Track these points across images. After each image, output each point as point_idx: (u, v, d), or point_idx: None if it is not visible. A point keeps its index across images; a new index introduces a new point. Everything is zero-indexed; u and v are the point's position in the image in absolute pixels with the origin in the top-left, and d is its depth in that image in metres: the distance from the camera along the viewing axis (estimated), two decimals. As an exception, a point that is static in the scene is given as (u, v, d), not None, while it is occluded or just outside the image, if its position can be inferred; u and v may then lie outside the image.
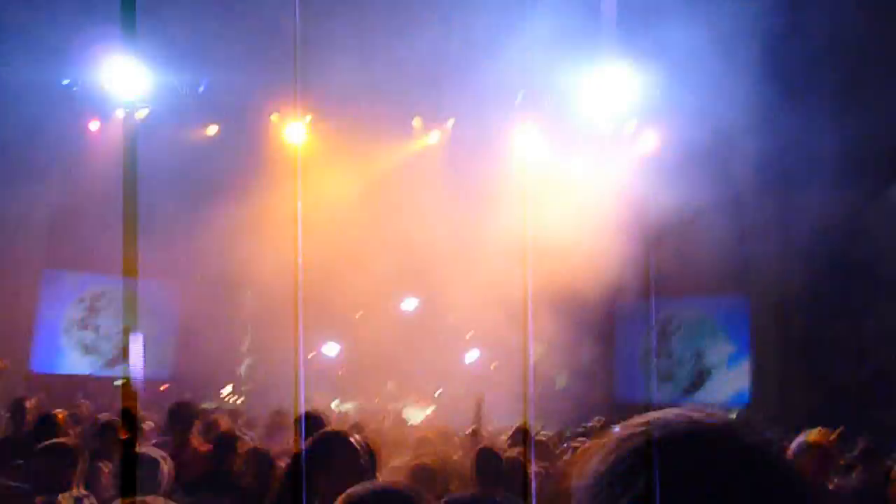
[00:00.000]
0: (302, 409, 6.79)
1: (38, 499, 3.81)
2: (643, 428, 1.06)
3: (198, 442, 6.26)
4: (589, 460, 1.08)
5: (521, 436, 6.16)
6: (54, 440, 4.44)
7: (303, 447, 3.65)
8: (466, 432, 7.00)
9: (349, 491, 1.82)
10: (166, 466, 3.71)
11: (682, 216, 12.53)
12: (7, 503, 3.98)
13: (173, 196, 14.46)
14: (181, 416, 6.25)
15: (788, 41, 11.99)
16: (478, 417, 9.47)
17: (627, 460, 1.03)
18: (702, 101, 12.19)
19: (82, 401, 9.52)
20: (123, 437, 6.21)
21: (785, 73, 12.10)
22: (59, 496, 3.84)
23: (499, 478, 4.93)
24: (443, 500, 4.93)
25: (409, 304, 16.70)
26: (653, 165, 13.93)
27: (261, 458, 5.13)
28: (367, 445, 4.50)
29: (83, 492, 4.08)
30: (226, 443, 5.58)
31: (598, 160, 14.21)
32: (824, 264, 13.17)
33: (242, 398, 15.73)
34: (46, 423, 5.70)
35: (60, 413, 6.36)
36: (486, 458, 5.01)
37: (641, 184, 13.43)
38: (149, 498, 2.45)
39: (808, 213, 12.60)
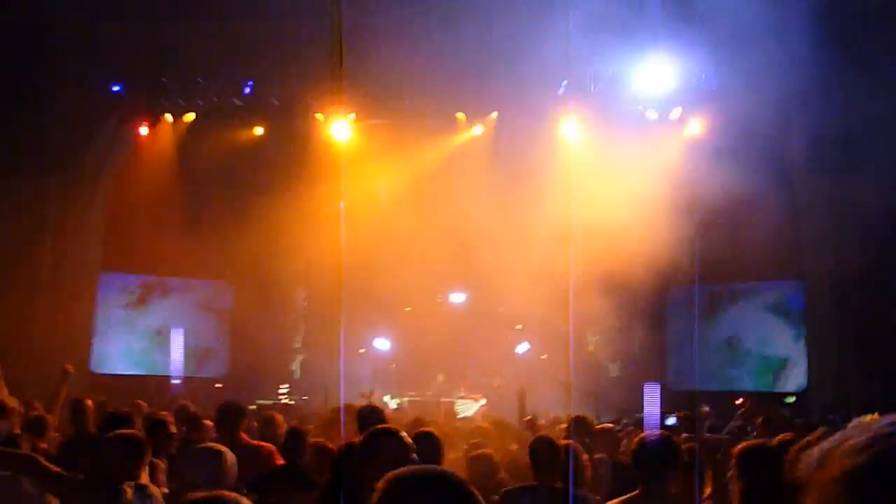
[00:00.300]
0: (342, 403, 6.86)
1: (103, 486, 3.89)
2: None
3: (247, 439, 6.32)
4: (834, 455, 1.13)
5: (579, 425, 6.12)
6: (121, 431, 4.50)
7: (342, 442, 3.69)
8: (526, 419, 6.93)
9: (392, 473, 1.86)
10: (229, 460, 3.71)
11: (734, 199, 12.32)
12: (70, 493, 4.05)
13: (222, 197, 14.68)
14: (229, 415, 6.34)
15: (842, 13, 11.69)
16: (522, 410, 9.43)
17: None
18: (752, 79, 11.97)
19: (138, 401, 9.66)
20: (174, 431, 6.32)
21: (839, 48, 11.81)
22: (124, 484, 3.90)
23: (556, 467, 4.90)
24: (502, 491, 4.92)
25: (459, 297, 16.71)
26: (702, 148, 13.75)
27: (325, 453, 5.17)
28: (436, 437, 4.57)
29: (146, 482, 4.15)
30: (295, 438, 5.64)
31: (645, 145, 14.07)
32: (882, 247, 12.87)
33: (295, 395, 15.89)
34: (114, 422, 5.79)
35: (131, 410, 6.49)
36: (543, 448, 4.99)
37: (691, 167, 13.27)
38: (219, 492, 2.47)
39: (864, 194, 12.31)
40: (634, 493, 4.07)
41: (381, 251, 13.28)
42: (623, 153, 13.77)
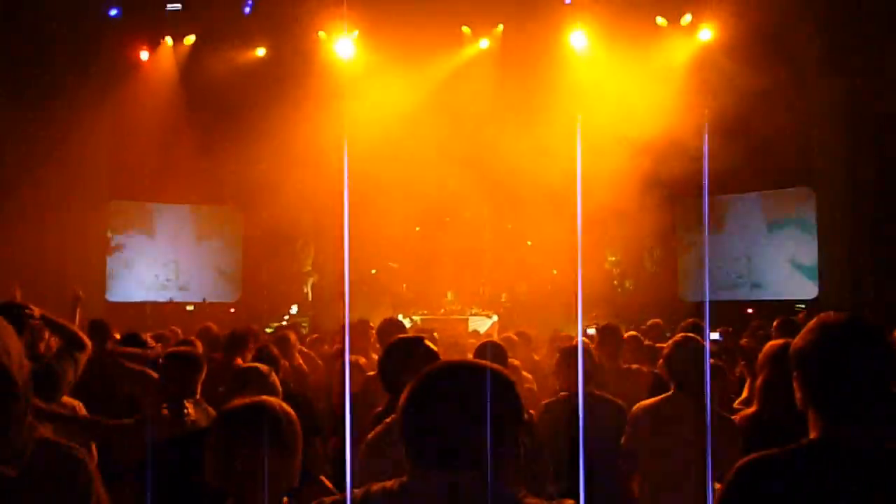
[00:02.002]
0: (347, 322, 6.92)
1: (164, 405, 4.00)
2: None
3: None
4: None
5: (607, 334, 6.11)
6: (178, 349, 4.63)
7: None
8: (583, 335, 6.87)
9: (426, 368, 1.86)
10: (274, 378, 3.82)
11: (746, 106, 12.13)
12: (123, 435, 4.09)
13: (227, 120, 14.48)
14: (237, 341, 6.41)
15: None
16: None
17: None
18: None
19: (172, 327, 9.67)
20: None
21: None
22: (186, 401, 4.01)
23: (588, 375, 4.92)
24: (543, 403, 4.95)
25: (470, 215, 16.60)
26: (713, 54, 13.52)
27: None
28: (501, 345, 4.91)
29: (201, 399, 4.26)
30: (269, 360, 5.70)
31: (654, 53, 13.83)
32: (895, 152, 12.74)
33: (308, 316, 15.99)
34: (130, 342, 5.82)
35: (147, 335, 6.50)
36: (572, 357, 4.99)
37: (701, 74, 13.07)
38: (262, 397, 2.47)
39: (877, 98, 12.12)
40: (668, 394, 4.15)
41: (389, 170, 13.12)
42: (632, 61, 13.52)
